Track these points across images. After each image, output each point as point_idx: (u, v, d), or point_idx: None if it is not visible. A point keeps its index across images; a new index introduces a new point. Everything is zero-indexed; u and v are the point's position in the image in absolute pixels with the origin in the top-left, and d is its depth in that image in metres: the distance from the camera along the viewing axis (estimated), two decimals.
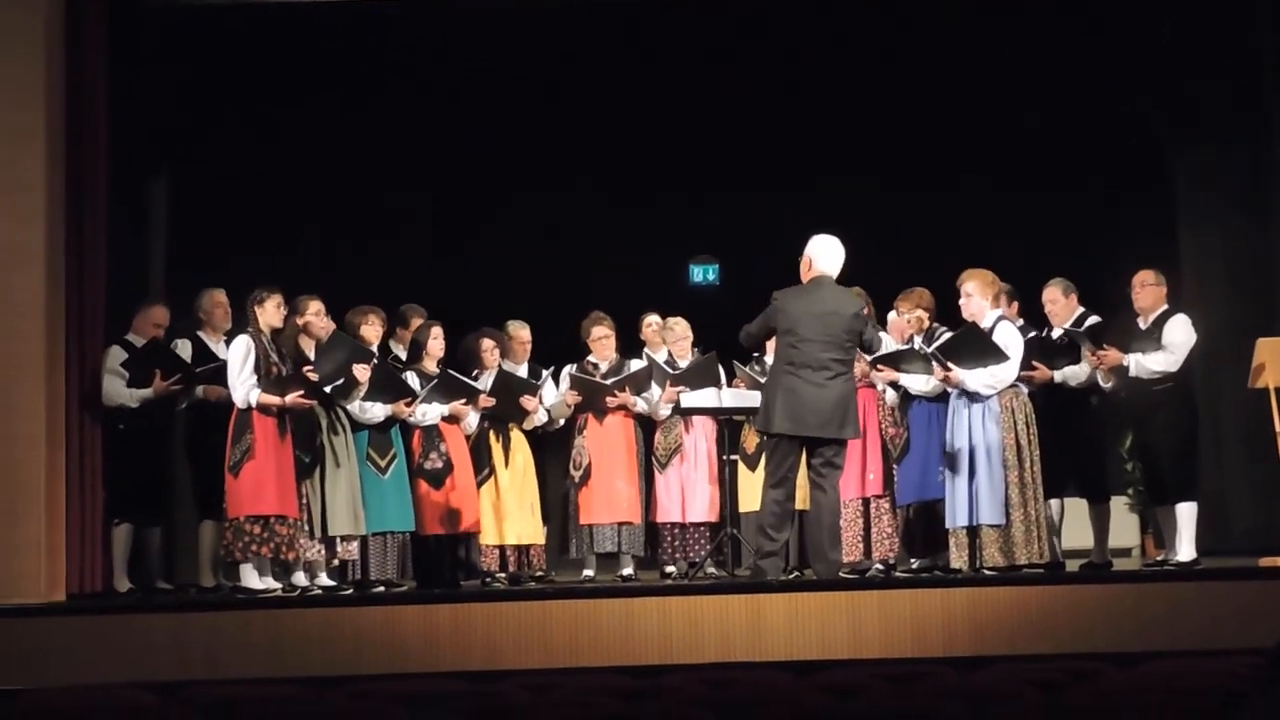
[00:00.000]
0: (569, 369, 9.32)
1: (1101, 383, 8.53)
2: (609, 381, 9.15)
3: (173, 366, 8.55)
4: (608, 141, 11.33)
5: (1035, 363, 8.41)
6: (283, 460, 8.05)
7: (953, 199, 11.19)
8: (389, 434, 8.58)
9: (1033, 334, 8.56)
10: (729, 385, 9.12)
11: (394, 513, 8.51)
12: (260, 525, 7.95)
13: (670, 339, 9.43)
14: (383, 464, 8.51)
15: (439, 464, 8.69)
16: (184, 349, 8.74)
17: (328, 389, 8.24)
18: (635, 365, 9.32)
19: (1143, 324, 8.41)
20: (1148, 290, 8.46)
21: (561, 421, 9.33)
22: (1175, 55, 10.62)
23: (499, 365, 9.08)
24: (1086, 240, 10.71)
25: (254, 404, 8.00)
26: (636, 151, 11.33)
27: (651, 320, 9.60)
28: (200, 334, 8.89)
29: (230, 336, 8.42)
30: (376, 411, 8.51)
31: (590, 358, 9.39)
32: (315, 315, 8.41)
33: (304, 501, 8.16)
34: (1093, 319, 8.60)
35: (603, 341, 9.36)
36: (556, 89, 11.29)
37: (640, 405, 9.22)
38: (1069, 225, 11.04)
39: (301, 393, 8.08)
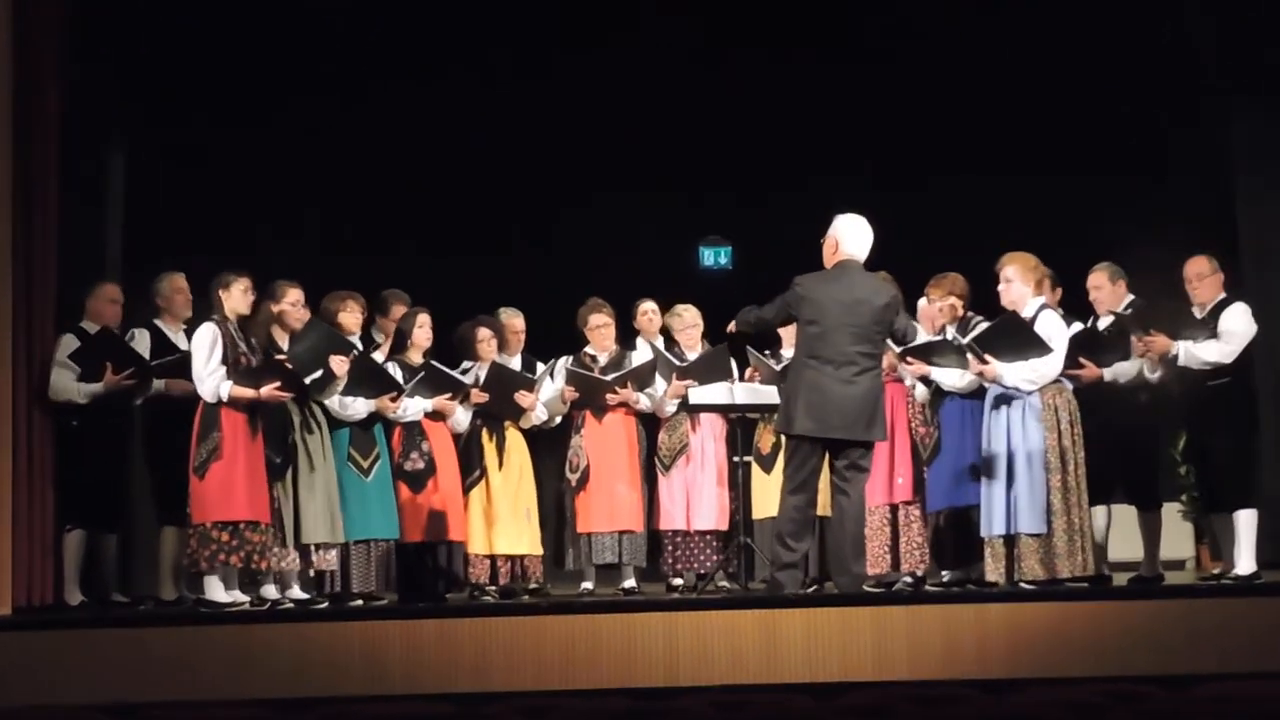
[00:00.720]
0: (564, 361, 9.28)
1: (1148, 373, 8.45)
2: (610, 377, 9.11)
3: (125, 358, 8.49)
4: (612, 121, 11.34)
5: (1083, 360, 8.35)
6: (253, 461, 7.98)
7: (991, 180, 11.18)
8: (372, 432, 8.53)
9: (1078, 326, 8.49)
10: (743, 378, 9.07)
11: (377, 519, 8.46)
12: (229, 532, 7.89)
13: (678, 327, 9.40)
14: (365, 465, 8.46)
15: (420, 464, 8.65)
16: (141, 340, 8.70)
17: (306, 380, 8.16)
18: (638, 357, 9.28)
19: (1198, 314, 8.35)
20: (1205, 283, 8.35)
21: (558, 419, 9.30)
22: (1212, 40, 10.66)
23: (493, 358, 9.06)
24: (1136, 225, 10.67)
25: (225, 398, 7.92)
26: (642, 132, 11.34)
27: (646, 308, 9.55)
28: (158, 322, 8.85)
29: (191, 326, 8.38)
30: (359, 407, 8.46)
31: (588, 349, 9.37)
32: (292, 304, 8.35)
33: (275, 506, 8.09)
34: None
35: (601, 330, 9.33)
36: (559, 75, 11.32)
37: (644, 402, 9.19)
38: (1115, 210, 11.01)
39: (278, 384, 8.00)
